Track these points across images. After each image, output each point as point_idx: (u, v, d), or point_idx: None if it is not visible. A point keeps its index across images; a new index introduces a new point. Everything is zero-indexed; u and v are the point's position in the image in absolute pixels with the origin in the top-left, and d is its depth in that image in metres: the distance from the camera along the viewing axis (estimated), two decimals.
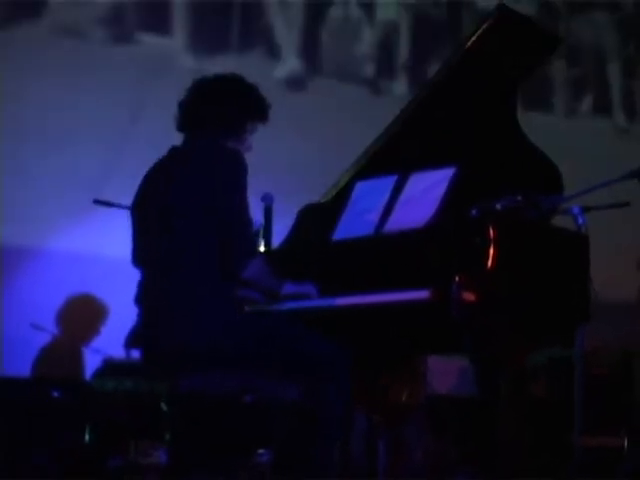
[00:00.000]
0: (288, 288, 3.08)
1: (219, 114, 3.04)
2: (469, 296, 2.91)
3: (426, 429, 4.23)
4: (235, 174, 2.94)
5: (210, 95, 3.06)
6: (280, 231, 3.65)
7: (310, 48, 5.78)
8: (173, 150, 3.09)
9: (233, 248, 2.93)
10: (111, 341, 4.01)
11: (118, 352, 4.09)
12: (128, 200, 3.15)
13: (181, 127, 3.09)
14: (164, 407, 2.99)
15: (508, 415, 3.09)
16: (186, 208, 2.94)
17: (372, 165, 3.55)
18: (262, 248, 3.56)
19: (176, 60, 5.38)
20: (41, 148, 4.93)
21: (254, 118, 3.10)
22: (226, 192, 2.93)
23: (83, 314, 4.87)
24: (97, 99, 5.04)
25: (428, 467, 4.15)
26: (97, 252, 4.82)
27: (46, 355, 4.78)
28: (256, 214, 3.28)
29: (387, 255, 3.17)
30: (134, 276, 3.07)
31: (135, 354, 3.30)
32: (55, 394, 4.06)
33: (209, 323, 2.89)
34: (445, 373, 4.29)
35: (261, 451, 3.78)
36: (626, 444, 3.96)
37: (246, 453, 3.76)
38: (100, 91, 5.05)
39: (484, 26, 3.40)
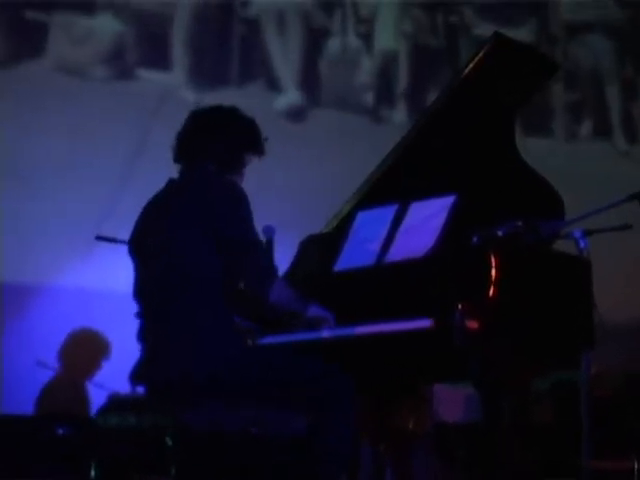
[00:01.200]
0: (313, 309, 3.07)
1: (217, 146, 3.05)
2: (472, 324, 2.91)
3: (434, 458, 4.20)
4: (238, 205, 2.95)
5: (207, 127, 3.07)
6: (282, 263, 3.65)
7: (309, 79, 5.82)
8: (170, 183, 3.10)
9: (252, 276, 2.93)
10: (116, 376, 4.00)
11: (123, 387, 4.08)
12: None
13: (178, 158, 3.10)
14: (169, 442, 2.97)
15: (512, 440, 3.07)
16: (186, 241, 2.94)
17: (373, 194, 3.56)
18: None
19: (177, 94, 5.41)
20: (43, 185, 4.95)
21: (251, 151, 3.11)
22: (233, 222, 2.94)
23: (85, 349, 4.87)
24: (99, 136, 5.06)
25: None
26: (100, 288, 4.83)
27: (50, 392, 4.77)
28: None
29: (389, 285, 3.18)
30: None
31: (140, 389, 3.30)
32: (60, 431, 4.05)
33: (211, 357, 2.89)
34: (452, 401, 4.27)
35: None
36: (636, 467, 3.93)
37: None
38: (102, 128, 5.08)
39: (480, 53, 3.42)
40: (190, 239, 2.94)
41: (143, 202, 3.15)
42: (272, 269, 3.02)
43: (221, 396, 2.93)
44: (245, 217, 2.95)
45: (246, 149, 3.10)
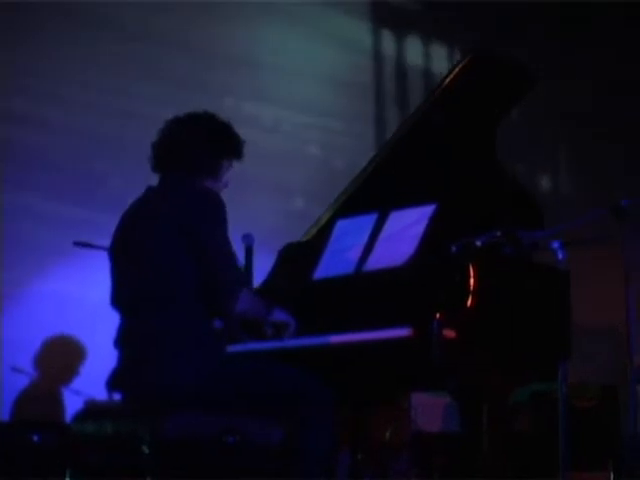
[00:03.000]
0: (277, 315, 3.07)
1: (193, 154, 3.04)
2: (450, 333, 2.91)
3: (411, 467, 4.20)
4: (213, 212, 2.94)
5: (183, 135, 3.06)
6: (261, 271, 3.64)
7: None
8: (149, 191, 3.09)
9: (221, 284, 2.92)
10: (93, 382, 3.97)
11: (100, 394, 4.05)
12: (108, 241, 3.14)
13: (155, 168, 3.09)
14: (145, 450, 2.95)
15: (490, 450, 3.08)
16: (165, 248, 2.93)
17: (352, 203, 3.57)
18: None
19: None
20: (19, 191, 4.92)
21: (228, 156, 3.10)
22: (206, 231, 2.92)
23: (61, 355, 4.83)
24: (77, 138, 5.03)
25: None
26: (77, 294, 4.80)
27: (25, 398, 4.73)
28: (237, 254, 3.28)
29: (368, 293, 3.18)
30: (115, 317, 3.06)
31: (117, 396, 3.27)
32: (35, 438, 4.02)
33: (189, 365, 2.87)
34: (430, 410, 4.27)
35: None
36: (612, 478, 3.95)
37: None
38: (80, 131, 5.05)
39: (460, 65, 3.45)
40: (168, 248, 2.92)
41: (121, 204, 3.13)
42: (238, 281, 2.97)
43: (198, 404, 2.91)
44: (219, 227, 2.94)
45: (225, 154, 3.09)
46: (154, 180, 3.11)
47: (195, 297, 2.92)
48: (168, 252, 2.92)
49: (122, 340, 3.01)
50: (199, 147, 3.04)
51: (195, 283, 2.92)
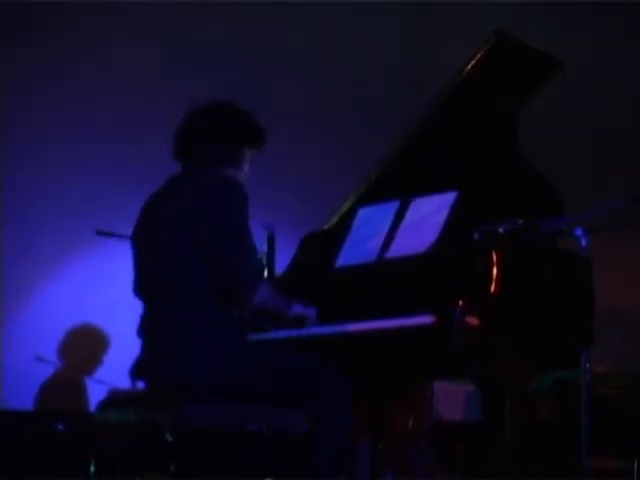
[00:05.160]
0: (296, 309, 3.09)
1: (215, 143, 3.04)
2: (473, 320, 2.91)
3: (433, 456, 4.19)
4: (236, 204, 2.94)
5: (205, 123, 3.06)
6: (283, 259, 3.65)
7: None
8: (171, 180, 3.10)
9: (240, 276, 2.92)
10: (116, 371, 4.00)
11: (123, 382, 4.08)
12: (131, 230, 3.15)
13: (178, 156, 3.10)
14: (169, 438, 2.96)
15: (511, 438, 3.07)
16: (186, 238, 2.93)
17: (373, 191, 3.56)
18: (265, 274, 3.57)
19: None
20: (41, 179, 4.95)
21: (250, 145, 3.11)
22: (226, 225, 2.92)
23: (85, 345, 4.86)
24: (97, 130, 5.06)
25: None
26: (100, 283, 4.83)
27: (50, 387, 4.76)
28: (259, 242, 3.29)
29: (390, 281, 3.18)
30: (138, 306, 3.07)
31: (141, 385, 3.29)
32: (59, 427, 4.05)
33: (212, 353, 2.89)
34: (451, 399, 4.26)
35: None
36: (636, 467, 3.92)
37: None
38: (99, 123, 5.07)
39: (481, 51, 3.42)
40: (182, 240, 2.93)
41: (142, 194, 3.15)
42: (257, 274, 2.99)
43: (221, 392, 2.92)
44: (241, 217, 2.94)
45: (247, 144, 3.09)
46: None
47: (209, 290, 2.92)
48: (190, 242, 2.93)
49: (145, 329, 3.02)
50: (221, 136, 3.04)
51: (210, 277, 2.91)
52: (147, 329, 3.00)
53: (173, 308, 2.92)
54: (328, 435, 2.89)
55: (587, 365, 3.24)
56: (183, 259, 2.92)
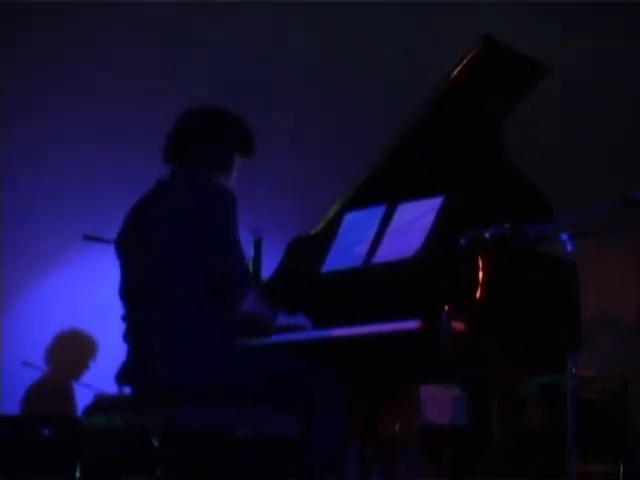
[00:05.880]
0: (282, 319, 3.09)
1: (206, 149, 3.05)
2: (459, 325, 2.92)
3: (420, 460, 4.21)
4: (225, 211, 2.95)
5: (197, 129, 3.07)
6: (271, 264, 3.66)
7: None
8: (162, 183, 3.10)
9: (229, 284, 2.93)
10: (103, 376, 4.00)
11: (110, 387, 4.08)
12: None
13: (170, 157, 3.10)
14: (155, 442, 2.97)
15: (500, 443, 3.09)
16: (182, 240, 2.93)
17: (360, 196, 3.57)
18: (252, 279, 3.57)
19: None
20: (41, 179, 4.94)
21: (241, 152, 3.11)
22: (218, 229, 2.93)
23: (72, 349, 4.86)
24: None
25: None
26: (87, 288, 4.82)
27: (36, 392, 4.76)
28: (246, 247, 3.29)
29: (376, 286, 3.19)
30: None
31: (127, 390, 3.29)
32: (45, 431, 4.04)
33: (193, 362, 2.89)
34: (439, 403, 4.27)
35: None
36: (621, 470, 3.95)
37: None
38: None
39: (469, 56, 3.44)
40: (177, 242, 2.93)
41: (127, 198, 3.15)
42: (245, 283, 2.98)
43: (208, 396, 2.92)
44: (229, 226, 2.94)
45: (236, 150, 3.10)
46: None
47: (202, 293, 2.93)
48: (177, 247, 2.93)
49: (131, 333, 3.02)
50: (213, 142, 3.05)
51: (203, 280, 2.92)
52: (137, 332, 3.00)
53: (167, 310, 2.92)
54: (322, 439, 2.90)
55: (574, 370, 3.27)
56: (178, 261, 2.92)
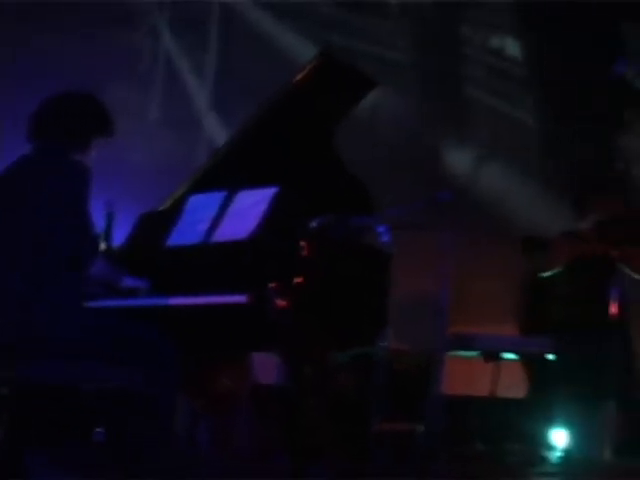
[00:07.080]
0: (127, 281, 3.45)
1: (68, 128, 3.36)
2: (281, 302, 3.32)
3: (253, 416, 4.57)
4: (80, 185, 3.26)
5: (60, 110, 3.39)
6: (121, 235, 3.98)
7: None
8: (22, 159, 3.40)
9: (80, 249, 3.27)
10: None
11: None
12: None
13: (31, 138, 3.41)
14: (4, 391, 3.22)
15: (313, 404, 3.53)
16: (33, 211, 3.23)
17: (205, 180, 3.93)
18: (103, 248, 3.88)
19: None
20: None
21: (100, 133, 3.45)
22: (72, 201, 3.25)
23: None
24: None
25: (254, 450, 4.52)
26: None
27: None
28: (99, 218, 3.63)
29: (213, 262, 3.54)
30: None
31: None
32: None
33: (48, 314, 3.18)
34: (268, 365, 4.65)
35: (98, 430, 4.02)
36: (417, 429, 4.48)
37: (83, 434, 4.01)
38: None
39: (309, 66, 3.84)
40: (39, 212, 3.23)
41: None
42: (96, 246, 3.41)
43: (55, 351, 3.21)
44: (84, 197, 3.26)
45: (94, 133, 3.42)
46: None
47: (57, 258, 3.22)
48: (36, 215, 3.22)
49: None
50: (74, 123, 3.36)
51: (59, 245, 3.24)
52: None
53: (18, 269, 3.20)
54: (157, 388, 3.22)
55: (382, 344, 3.76)
56: (31, 229, 3.22)
